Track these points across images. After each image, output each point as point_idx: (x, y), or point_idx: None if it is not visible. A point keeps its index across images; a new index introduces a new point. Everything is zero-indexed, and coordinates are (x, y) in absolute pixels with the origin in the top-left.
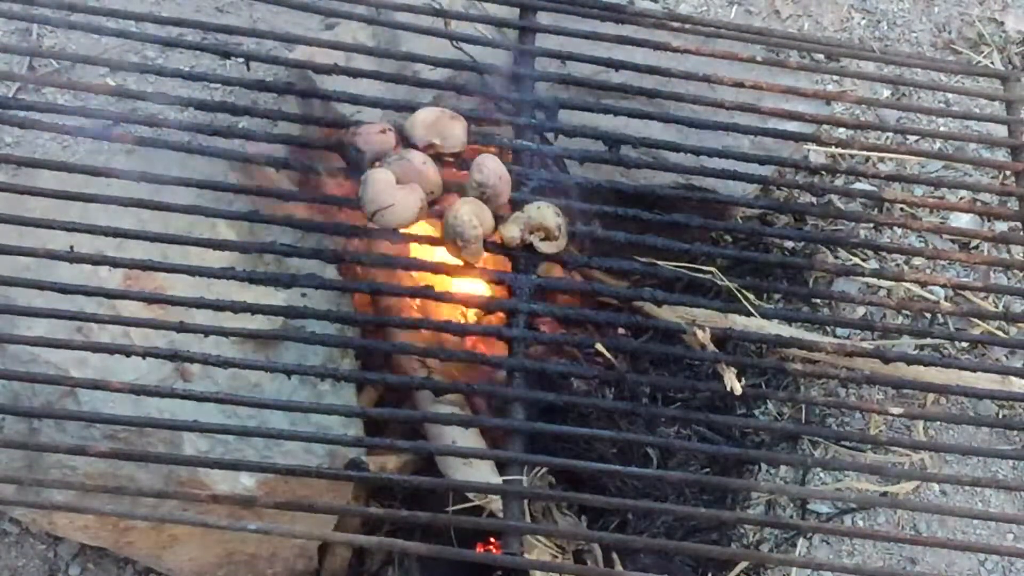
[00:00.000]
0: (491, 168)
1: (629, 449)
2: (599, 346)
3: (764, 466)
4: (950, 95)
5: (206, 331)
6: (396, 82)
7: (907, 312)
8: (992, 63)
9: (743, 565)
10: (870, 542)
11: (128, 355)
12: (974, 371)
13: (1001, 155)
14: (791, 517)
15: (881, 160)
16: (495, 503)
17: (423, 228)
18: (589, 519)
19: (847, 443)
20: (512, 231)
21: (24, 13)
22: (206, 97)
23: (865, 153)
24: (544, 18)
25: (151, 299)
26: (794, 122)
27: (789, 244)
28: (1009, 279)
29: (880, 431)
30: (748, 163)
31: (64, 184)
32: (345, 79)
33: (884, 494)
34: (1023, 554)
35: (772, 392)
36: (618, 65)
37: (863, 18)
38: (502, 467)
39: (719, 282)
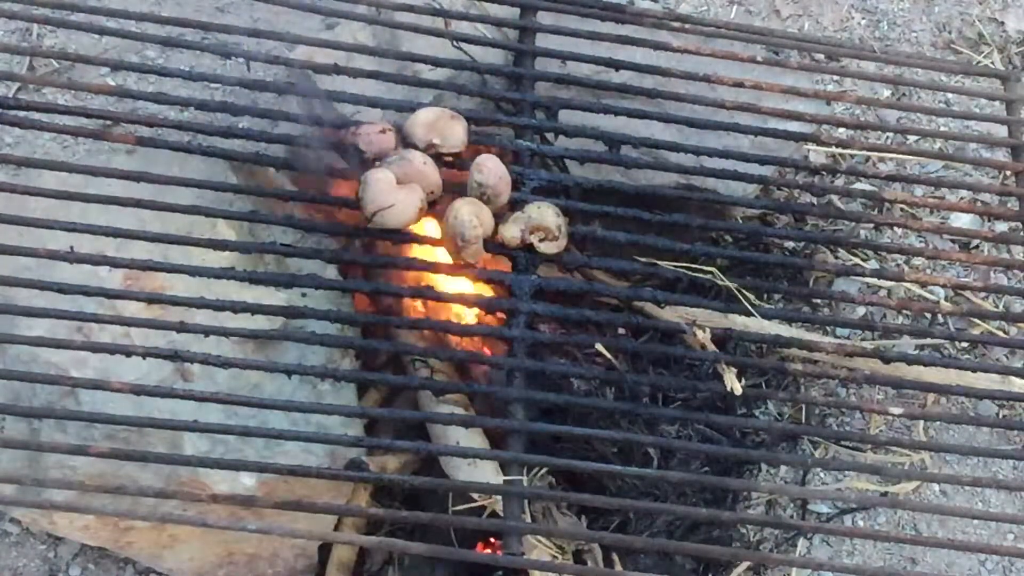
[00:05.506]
0: (491, 168)
1: (629, 449)
2: (599, 346)
3: (764, 466)
4: (950, 95)
5: (206, 331)
6: (396, 82)
7: (907, 312)
8: (992, 63)
9: (744, 565)
10: (870, 542)
11: (128, 355)
12: (974, 371)
13: (1001, 155)
14: (791, 517)
15: (881, 160)
16: (497, 503)
17: (423, 228)
18: (589, 519)
19: (847, 443)
20: (512, 231)
21: (24, 13)
22: (206, 97)
23: (865, 153)
24: (544, 18)
25: (151, 299)
26: (794, 122)
27: (789, 244)
28: (1009, 279)
29: (880, 431)
30: (748, 163)
31: (64, 184)
32: (345, 79)
33: (884, 494)
34: (1023, 554)
35: (772, 392)
36: (618, 65)
37: (863, 18)
38: (502, 467)
39: (719, 282)
